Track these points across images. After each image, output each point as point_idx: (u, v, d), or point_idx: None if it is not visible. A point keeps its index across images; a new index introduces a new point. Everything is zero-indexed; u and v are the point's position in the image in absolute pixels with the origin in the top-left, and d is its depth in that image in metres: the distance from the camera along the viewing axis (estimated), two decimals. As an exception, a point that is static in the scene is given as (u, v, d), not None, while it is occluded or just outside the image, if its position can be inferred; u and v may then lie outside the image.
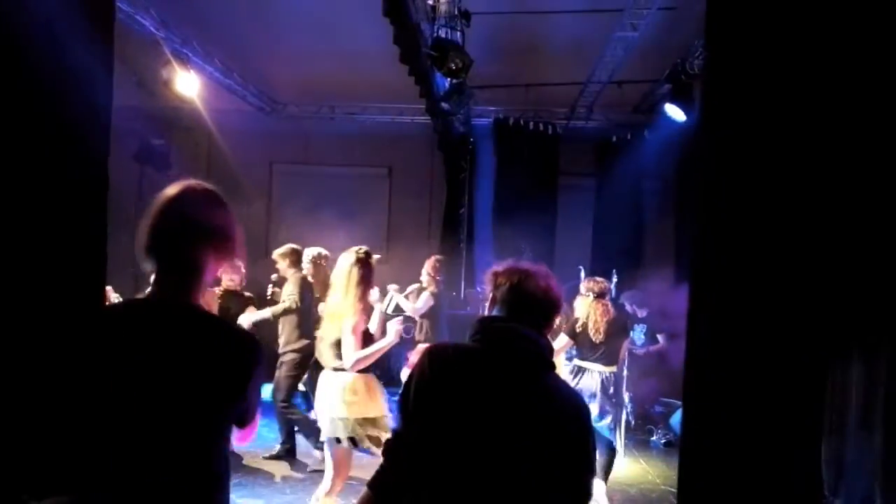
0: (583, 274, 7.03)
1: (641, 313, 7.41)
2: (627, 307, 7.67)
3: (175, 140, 9.95)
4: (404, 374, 6.59)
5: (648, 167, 9.00)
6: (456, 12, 5.57)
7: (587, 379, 5.04)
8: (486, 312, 1.96)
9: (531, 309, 1.87)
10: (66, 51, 1.28)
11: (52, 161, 1.28)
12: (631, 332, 7.71)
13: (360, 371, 3.62)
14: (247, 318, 5.45)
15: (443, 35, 5.63)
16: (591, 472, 1.76)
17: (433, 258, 6.61)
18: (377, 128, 9.72)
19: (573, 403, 1.78)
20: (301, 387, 5.98)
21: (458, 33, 5.72)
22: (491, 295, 1.95)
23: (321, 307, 4.61)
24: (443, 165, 10.12)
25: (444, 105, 7.09)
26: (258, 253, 6.86)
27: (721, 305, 1.20)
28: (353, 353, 3.54)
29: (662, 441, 6.89)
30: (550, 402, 1.72)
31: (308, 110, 9.65)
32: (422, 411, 1.72)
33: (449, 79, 6.27)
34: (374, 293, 3.99)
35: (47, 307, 1.26)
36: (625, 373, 7.67)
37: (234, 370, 1.58)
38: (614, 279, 7.65)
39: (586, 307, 5.07)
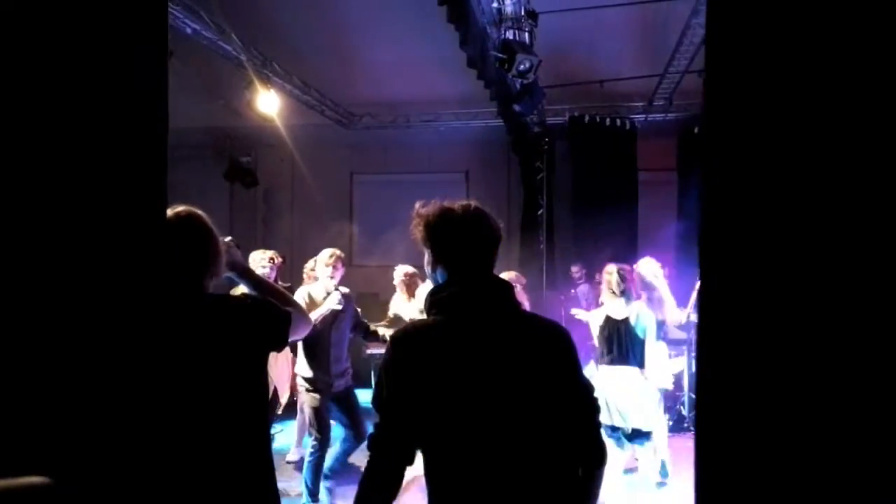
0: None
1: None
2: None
3: (260, 157, 10.42)
4: None
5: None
6: (522, 13, 5.54)
7: None
8: (429, 267, 1.78)
9: (491, 253, 1.74)
10: (114, 69, 1.28)
11: (106, 180, 1.30)
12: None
13: None
14: None
15: (510, 37, 5.60)
16: (582, 370, 1.73)
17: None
18: (452, 133, 9.80)
19: (549, 325, 1.75)
20: None
21: (526, 34, 5.68)
22: (428, 246, 1.75)
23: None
24: (519, 167, 10.06)
25: (517, 107, 7.05)
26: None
27: (738, 291, 1.13)
28: None
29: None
30: (534, 334, 1.69)
31: (384, 120, 9.85)
32: (412, 397, 1.60)
33: (519, 80, 6.24)
34: None
35: (116, 318, 1.31)
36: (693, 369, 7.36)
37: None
38: (701, 275, 7.34)
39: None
